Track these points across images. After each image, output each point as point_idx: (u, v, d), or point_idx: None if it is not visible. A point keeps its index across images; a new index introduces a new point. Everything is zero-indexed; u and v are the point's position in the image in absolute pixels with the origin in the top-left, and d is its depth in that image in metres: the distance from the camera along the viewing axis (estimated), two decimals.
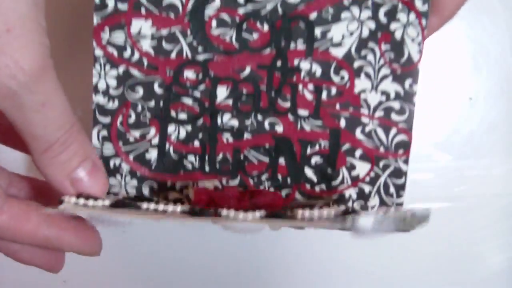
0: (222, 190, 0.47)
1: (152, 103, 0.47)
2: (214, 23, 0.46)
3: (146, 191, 0.49)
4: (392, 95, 0.47)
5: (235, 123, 0.48)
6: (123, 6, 0.45)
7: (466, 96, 0.63)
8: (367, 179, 0.48)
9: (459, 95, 0.63)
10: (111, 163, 0.48)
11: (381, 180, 0.48)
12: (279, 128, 0.48)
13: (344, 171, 0.48)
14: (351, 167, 0.48)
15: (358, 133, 0.48)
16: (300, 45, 0.46)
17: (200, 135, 0.48)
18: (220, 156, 0.48)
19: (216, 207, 0.43)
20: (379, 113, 0.47)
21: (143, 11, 0.46)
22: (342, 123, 0.47)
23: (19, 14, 0.36)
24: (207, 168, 0.49)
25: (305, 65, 0.47)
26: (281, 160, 0.48)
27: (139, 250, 0.66)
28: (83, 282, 0.64)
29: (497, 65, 0.62)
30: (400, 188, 0.48)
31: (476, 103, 0.63)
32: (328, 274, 0.66)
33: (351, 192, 0.49)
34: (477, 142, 0.63)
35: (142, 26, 0.46)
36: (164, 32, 0.46)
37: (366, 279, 0.66)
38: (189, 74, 0.47)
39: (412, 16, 0.45)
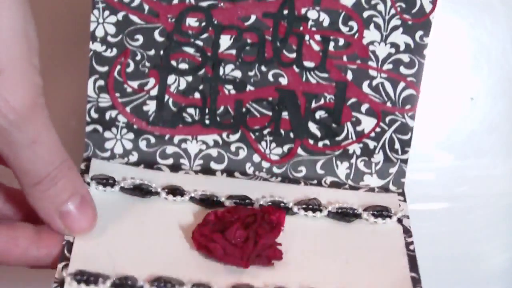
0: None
1: (152, 52, 0.45)
2: None
3: (142, 145, 0.47)
4: (402, 47, 0.45)
5: (238, 74, 0.46)
6: None
7: (467, 96, 0.63)
8: (372, 134, 0.47)
9: (460, 95, 0.63)
10: (107, 115, 0.46)
11: (387, 135, 0.47)
12: (284, 80, 0.46)
13: (349, 126, 0.47)
14: (357, 122, 0.47)
15: (365, 87, 0.46)
16: None
17: (201, 86, 0.46)
18: (221, 108, 0.47)
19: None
20: (387, 66, 0.46)
21: None
22: (349, 75, 0.46)
23: (12, 55, 0.37)
24: (207, 121, 0.47)
25: (312, 14, 0.45)
26: (285, 114, 0.47)
27: None
28: None
29: (498, 65, 0.62)
30: (406, 144, 0.47)
31: (477, 103, 0.63)
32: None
33: (355, 148, 0.48)
34: (478, 142, 0.64)
35: None
36: None
37: None
38: (192, 21, 0.45)
39: None
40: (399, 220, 0.46)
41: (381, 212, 0.46)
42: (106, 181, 0.46)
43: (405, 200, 0.48)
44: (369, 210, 0.46)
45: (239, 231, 0.41)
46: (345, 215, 0.46)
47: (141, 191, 0.46)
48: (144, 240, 0.42)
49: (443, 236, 0.64)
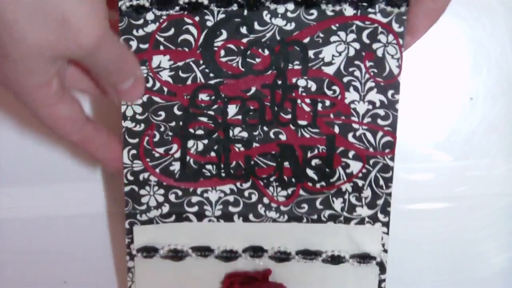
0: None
1: (173, 124, 0.55)
2: (222, 52, 0.54)
3: (172, 197, 0.57)
4: (378, 104, 0.55)
5: (245, 134, 0.56)
6: (144, 46, 0.53)
7: (466, 96, 0.63)
8: (360, 174, 0.56)
9: (459, 95, 0.63)
10: (141, 177, 0.56)
11: (372, 175, 0.56)
12: (283, 137, 0.56)
13: (340, 170, 0.56)
14: (346, 166, 0.56)
15: (350, 137, 0.55)
16: (297, 65, 0.54)
17: (216, 147, 0.56)
18: (234, 163, 0.56)
19: None
20: (367, 120, 0.55)
21: (161, 47, 0.53)
22: (336, 129, 0.55)
23: None
24: (223, 174, 0.57)
25: (302, 82, 0.54)
26: (286, 164, 0.56)
27: None
28: (83, 282, 0.66)
29: (497, 65, 0.63)
30: (388, 181, 0.56)
31: (477, 103, 0.63)
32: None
33: (347, 186, 0.57)
34: (478, 142, 0.64)
35: (161, 60, 0.54)
36: (180, 63, 0.54)
37: None
38: (203, 96, 0.55)
39: (391, 37, 0.53)
40: (378, 263, 0.58)
41: (364, 259, 0.58)
42: (148, 253, 0.58)
43: (387, 233, 0.58)
44: (355, 257, 0.58)
45: None
46: (335, 261, 0.58)
47: (177, 257, 0.58)
48: None
49: (442, 236, 0.65)
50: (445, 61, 0.63)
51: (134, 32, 0.53)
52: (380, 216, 0.57)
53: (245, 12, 0.53)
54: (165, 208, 0.57)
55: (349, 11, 0.53)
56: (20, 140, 0.62)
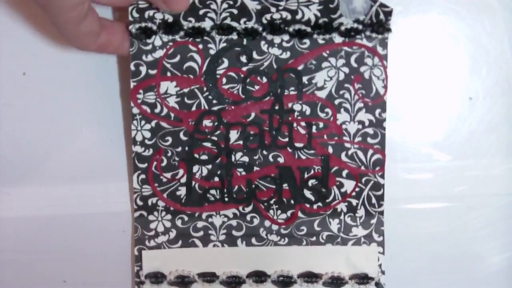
0: None
1: (179, 149, 0.59)
2: (224, 80, 0.59)
3: (179, 223, 0.60)
4: (367, 123, 0.60)
5: (246, 159, 0.60)
6: (153, 72, 0.58)
7: (465, 96, 0.63)
8: (354, 193, 0.61)
9: (458, 95, 0.64)
10: (149, 202, 0.60)
11: (365, 193, 0.61)
12: (281, 159, 0.60)
13: (335, 189, 0.60)
14: (340, 185, 0.60)
15: (343, 156, 0.60)
16: (292, 91, 0.59)
17: (219, 172, 0.60)
18: (236, 187, 0.60)
19: None
20: (358, 139, 0.60)
21: (168, 74, 0.58)
22: (330, 149, 0.60)
23: None
24: (226, 199, 0.60)
25: (297, 106, 0.59)
26: (285, 185, 0.60)
27: None
28: (83, 282, 0.66)
29: (496, 65, 0.63)
30: (380, 199, 0.61)
31: (476, 103, 0.64)
32: None
33: (342, 207, 0.61)
34: (477, 142, 0.64)
35: (168, 86, 0.58)
36: (186, 90, 0.59)
37: None
38: (207, 122, 0.59)
39: (376, 59, 0.59)
40: (376, 284, 0.62)
41: (362, 280, 0.61)
42: (156, 279, 0.61)
43: (383, 253, 0.62)
44: (354, 278, 0.61)
45: None
46: (336, 284, 0.61)
47: (183, 283, 0.61)
48: None
49: (441, 236, 0.65)
50: (444, 61, 0.63)
51: (143, 57, 0.58)
52: (375, 236, 0.61)
53: (245, 42, 0.58)
54: (172, 234, 0.61)
55: (338, 38, 0.59)
56: (20, 140, 0.63)
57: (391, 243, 0.63)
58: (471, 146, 0.64)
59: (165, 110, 0.59)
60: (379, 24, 0.58)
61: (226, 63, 0.59)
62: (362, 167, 0.60)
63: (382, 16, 0.58)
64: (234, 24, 0.58)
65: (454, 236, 0.65)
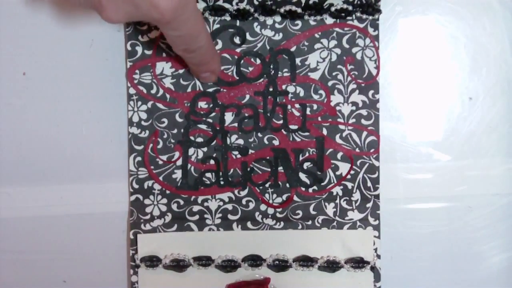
0: None
1: (175, 131, 0.60)
2: None
3: (174, 207, 0.60)
4: (360, 104, 0.60)
5: (241, 141, 0.60)
6: (148, 52, 0.59)
7: (466, 96, 0.64)
8: (349, 176, 0.61)
9: (458, 95, 0.64)
10: (145, 185, 0.60)
11: (360, 176, 0.61)
12: (276, 142, 0.61)
13: (330, 172, 0.61)
14: (336, 168, 0.61)
15: (337, 138, 0.61)
16: (286, 72, 0.60)
17: (215, 154, 0.60)
18: (232, 170, 0.61)
19: None
20: (352, 120, 0.60)
21: (164, 54, 0.59)
22: (324, 131, 0.60)
23: None
24: (222, 182, 0.61)
25: (291, 88, 0.60)
26: (280, 168, 0.61)
27: None
28: (83, 282, 0.65)
29: (496, 65, 0.63)
30: (376, 182, 0.61)
31: (476, 103, 0.64)
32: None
33: (337, 190, 0.61)
34: (477, 142, 0.64)
35: (164, 67, 0.59)
36: (181, 71, 0.59)
37: None
38: (202, 104, 0.60)
39: (368, 40, 0.60)
40: (372, 268, 0.62)
41: (358, 264, 0.61)
42: (152, 263, 0.60)
43: (379, 237, 0.62)
44: (349, 262, 0.61)
45: None
46: (331, 268, 0.61)
47: (179, 267, 0.61)
48: None
49: (441, 235, 0.65)
50: (444, 61, 0.64)
51: (139, 37, 0.59)
52: (371, 220, 0.61)
53: (238, 23, 0.59)
54: (168, 218, 0.61)
55: (329, 20, 0.60)
56: (20, 140, 0.63)
57: (391, 243, 0.64)
58: (471, 146, 0.64)
59: (161, 91, 0.60)
60: (369, 5, 0.59)
61: (220, 44, 0.60)
62: (357, 149, 0.61)
63: None
64: (227, 5, 0.59)
65: (454, 236, 0.65)
